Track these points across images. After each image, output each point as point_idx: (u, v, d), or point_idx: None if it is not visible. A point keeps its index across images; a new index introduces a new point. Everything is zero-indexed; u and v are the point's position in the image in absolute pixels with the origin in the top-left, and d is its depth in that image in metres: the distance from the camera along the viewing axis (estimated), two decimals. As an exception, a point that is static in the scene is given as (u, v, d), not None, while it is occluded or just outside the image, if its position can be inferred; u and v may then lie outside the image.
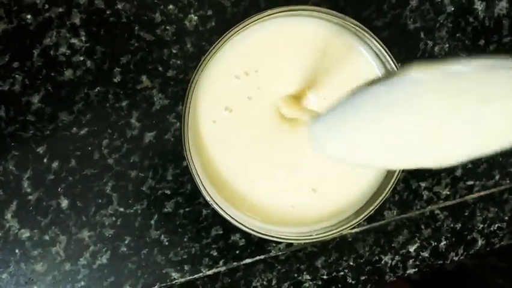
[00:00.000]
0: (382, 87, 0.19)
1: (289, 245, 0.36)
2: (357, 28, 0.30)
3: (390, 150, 0.20)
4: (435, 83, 0.17)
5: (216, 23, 0.33)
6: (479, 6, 0.36)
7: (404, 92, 0.18)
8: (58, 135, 0.32)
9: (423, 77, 0.17)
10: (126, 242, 0.33)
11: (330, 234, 0.31)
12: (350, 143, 0.21)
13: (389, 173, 0.32)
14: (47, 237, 0.32)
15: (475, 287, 0.43)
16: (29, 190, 0.32)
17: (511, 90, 0.17)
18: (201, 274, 0.34)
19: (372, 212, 0.31)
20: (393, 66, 0.30)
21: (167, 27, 0.32)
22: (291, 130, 0.31)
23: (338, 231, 0.31)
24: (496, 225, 0.38)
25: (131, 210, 0.33)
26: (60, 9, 0.31)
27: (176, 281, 0.34)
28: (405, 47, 0.35)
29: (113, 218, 0.33)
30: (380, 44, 0.30)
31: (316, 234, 0.31)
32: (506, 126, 0.18)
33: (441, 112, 0.18)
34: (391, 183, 0.31)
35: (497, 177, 0.38)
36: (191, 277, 0.34)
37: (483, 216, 0.38)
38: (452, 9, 0.36)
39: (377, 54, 0.31)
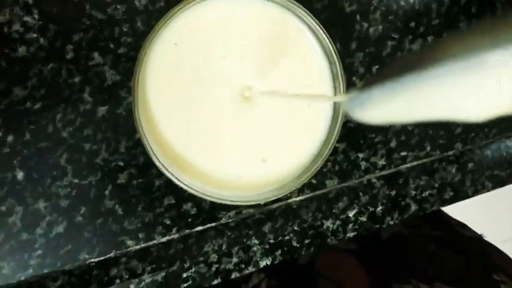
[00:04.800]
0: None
1: (239, 212, 0.38)
2: (298, 9, 0.33)
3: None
4: None
5: (165, 2, 0.35)
6: (409, -9, 0.40)
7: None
8: (13, 109, 0.33)
9: None
10: (81, 212, 0.35)
11: (275, 197, 0.34)
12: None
13: (324, 144, 0.35)
14: (3, 208, 0.33)
15: (409, 253, 0.47)
16: (-16, 163, 0.33)
17: None
18: (155, 241, 0.36)
19: (310, 178, 0.34)
20: (330, 44, 0.33)
21: (118, 7, 0.34)
22: (243, 103, 0.33)
23: (281, 194, 0.34)
24: (428, 192, 0.42)
25: (86, 182, 0.35)
26: (13, -12, 0.33)
27: (131, 248, 0.36)
28: (342, 28, 0.38)
29: (69, 189, 0.34)
30: (318, 25, 0.33)
31: (259, 198, 0.34)
32: None
33: None
34: (325, 153, 0.34)
35: (428, 148, 0.42)
36: (145, 244, 0.36)
37: (415, 184, 0.42)
38: (385, -7, 0.39)
39: (316, 35, 0.34)
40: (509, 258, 0.48)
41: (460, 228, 0.52)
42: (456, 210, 0.46)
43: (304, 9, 0.33)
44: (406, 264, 0.45)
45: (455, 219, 0.54)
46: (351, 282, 0.44)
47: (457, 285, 0.42)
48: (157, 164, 0.31)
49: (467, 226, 0.54)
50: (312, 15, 0.33)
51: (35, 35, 0.33)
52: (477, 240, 0.52)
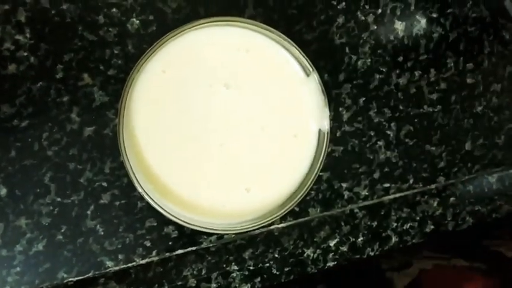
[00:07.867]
0: None
1: (220, 237, 0.38)
2: (285, 41, 0.33)
3: None
4: None
5: (156, 27, 0.35)
6: (399, 26, 0.40)
7: None
8: (-1, 126, 0.33)
9: None
10: (62, 230, 0.35)
11: (256, 226, 0.34)
12: None
13: (308, 175, 0.35)
14: (-17, 224, 0.34)
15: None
16: (-33, 178, 0.33)
17: None
18: (134, 263, 0.36)
19: (293, 206, 0.34)
20: (316, 76, 0.34)
21: (110, 29, 0.34)
22: (229, 131, 0.34)
23: (263, 224, 0.34)
24: (409, 225, 0.42)
25: (69, 201, 0.35)
26: (6, 7, 0.33)
27: (110, 269, 0.36)
28: (332, 60, 0.39)
29: (51, 207, 0.34)
30: (304, 56, 0.34)
31: (241, 227, 0.34)
32: None
33: None
34: (308, 183, 0.34)
35: (411, 181, 0.42)
36: (124, 266, 0.36)
37: (397, 216, 0.42)
38: (375, 27, 0.40)
39: (301, 65, 0.34)
40: None
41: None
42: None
43: (290, 41, 0.34)
44: None
45: None
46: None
47: None
48: (139, 189, 0.31)
49: None
50: (297, 46, 0.34)
51: (25, 54, 0.33)
52: None
